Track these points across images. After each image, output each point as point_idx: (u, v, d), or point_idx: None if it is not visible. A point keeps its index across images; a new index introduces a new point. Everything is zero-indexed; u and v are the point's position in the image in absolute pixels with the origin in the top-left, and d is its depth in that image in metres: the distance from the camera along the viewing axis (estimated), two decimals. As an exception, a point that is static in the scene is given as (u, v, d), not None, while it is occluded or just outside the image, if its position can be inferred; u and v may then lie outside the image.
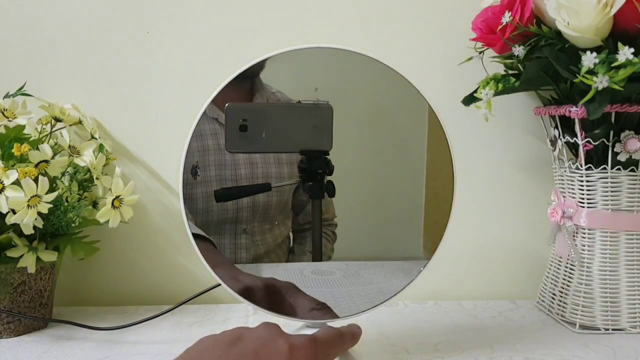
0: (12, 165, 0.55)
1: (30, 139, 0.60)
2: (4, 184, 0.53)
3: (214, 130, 0.54)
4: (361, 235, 0.59)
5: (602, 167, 0.61)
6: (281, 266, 0.58)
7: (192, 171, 0.54)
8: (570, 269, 0.65)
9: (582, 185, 0.62)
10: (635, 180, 0.61)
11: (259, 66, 0.52)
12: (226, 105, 0.52)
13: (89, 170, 0.61)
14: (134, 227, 0.69)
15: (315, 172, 0.55)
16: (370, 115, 0.57)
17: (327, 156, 0.54)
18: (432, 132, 0.54)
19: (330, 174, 0.55)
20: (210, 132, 0.54)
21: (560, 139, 0.64)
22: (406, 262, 0.55)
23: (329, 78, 0.55)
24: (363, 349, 0.53)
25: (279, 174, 0.56)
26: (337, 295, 0.54)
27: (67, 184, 0.60)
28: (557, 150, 0.65)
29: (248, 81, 0.54)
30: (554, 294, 0.67)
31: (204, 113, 0.52)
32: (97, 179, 0.61)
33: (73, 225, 0.60)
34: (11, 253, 0.57)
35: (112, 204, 0.60)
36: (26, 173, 0.53)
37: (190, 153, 0.52)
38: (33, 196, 0.54)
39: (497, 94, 0.63)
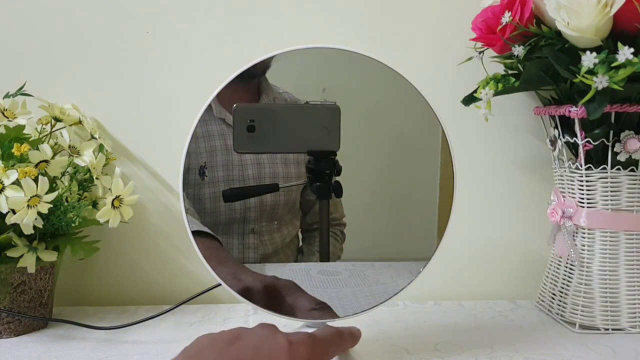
0: (12, 165, 0.55)
1: (30, 139, 0.60)
2: (4, 184, 0.53)
3: (221, 130, 0.54)
4: (370, 235, 0.59)
5: (601, 167, 0.61)
6: (288, 266, 0.58)
7: (199, 171, 0.54)
8: (570, 268, 0.65)
9: (582, 185, 0.62)
10: (635, 180, 0.61)
11: (265, 66, 0.52)
12: (234, 105, 0.52)
13: (89, 170, 0.61)
14: (134, 227, 0.69)
15: (323, 172, 0.55)
16: (378, 115, 0.57)
17: (335, 157, 0.54)
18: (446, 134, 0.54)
19: (338, 174, 0.55)
20: (217, 133, 0.54)
21: (560, 139, 0.64)
22: (414, 262, 0.54)
23: (335, 78, 0.55)
24: (363, 348, 0.53)
25: (287, 174, 0.56)
26: (342, 296, 0.54)
27: (67, 184, 0.60)
28: (557, 150, 0.65)
29: (254, 81, 0.54)
30: (553, 294, 0.67)
31: (211, 114, 0.52)
32: (97, 179, 0.61)
33: (73, 225, 0.60)
34: (11, 253, 0.57)
35: (112, 204, 0.60)
36: (26, 173, 0.53)
37: (197, 154, 0.52)
38: (33, 196, 0.54)
39: (497, 94, 0.63)
